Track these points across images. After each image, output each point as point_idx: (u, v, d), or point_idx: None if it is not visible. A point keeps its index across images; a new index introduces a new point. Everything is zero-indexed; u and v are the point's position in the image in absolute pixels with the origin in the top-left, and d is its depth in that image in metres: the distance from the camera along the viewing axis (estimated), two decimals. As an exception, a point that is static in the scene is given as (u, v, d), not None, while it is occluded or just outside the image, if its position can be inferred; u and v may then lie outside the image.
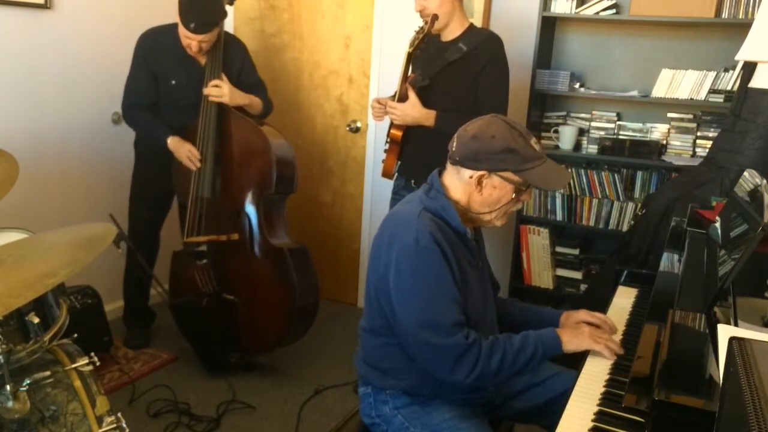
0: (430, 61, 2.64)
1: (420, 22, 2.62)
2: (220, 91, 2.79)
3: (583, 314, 1.78)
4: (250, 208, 2.86)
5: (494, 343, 1.55)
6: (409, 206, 1.63)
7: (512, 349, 1.56)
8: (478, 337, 1.54)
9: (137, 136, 3.10)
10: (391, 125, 2.68)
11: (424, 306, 1.53)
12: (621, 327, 1.83)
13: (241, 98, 2.86)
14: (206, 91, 2.80)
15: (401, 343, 1.62)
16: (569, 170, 3.28)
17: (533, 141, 1.58)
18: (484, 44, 2.56)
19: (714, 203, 2.32)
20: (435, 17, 2.53)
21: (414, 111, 2.53)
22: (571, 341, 1.61)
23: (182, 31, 2.76)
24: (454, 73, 2.57)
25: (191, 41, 2.76)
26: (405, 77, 2.62)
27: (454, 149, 1.61)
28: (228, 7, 2.92)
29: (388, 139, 2.72)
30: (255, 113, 2.96)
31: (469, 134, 1.59)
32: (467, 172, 1.59)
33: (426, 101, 2.54)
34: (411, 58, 2.58)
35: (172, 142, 2.86)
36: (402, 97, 2.58)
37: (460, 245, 1.62)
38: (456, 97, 2.57)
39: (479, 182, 1.59)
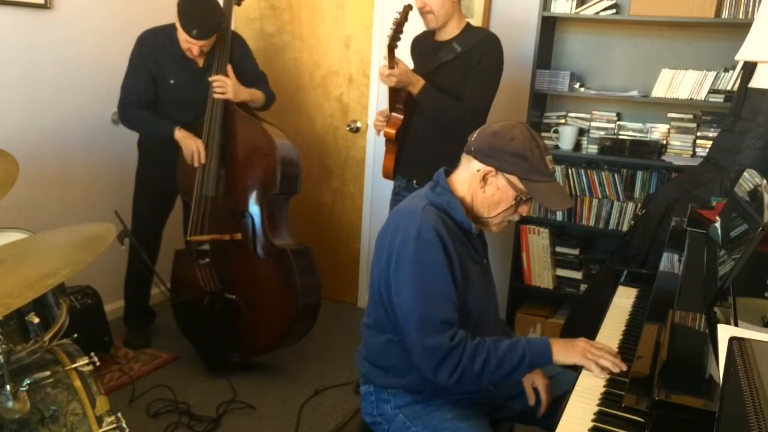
0: (424, 60, 2.64)
1: (419, 22, 2.62)
2: (223, 87, 2.79)
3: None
4: (254, 208, 2.86)
5: (479, 345, 1.53)
6: (415, 201, 1.65)
7: (497, 353, 1.53)
8: (464, 338, 1.52)
9: (141, 135, 3.10)
10: (387, 123, 2.68)
11: (419, 298, 1.53)
12: (621, 327, 1.83)
13: (244, 94, 2.88)
14: (213, 92, 2.80)
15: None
16: (569, 170, 3.29)
17: (548, 159, 1.59)
18: (479, 44, 2.56)
19: (714, 203, 2.32)
20: (408, 7, 2.53)
21: (404, 75, 2.52)
22: (560, 353, 1.57)
23: (183, 36, 2.76)
24: (446, 73, 2.57)
25: (192, 46, 2.77)
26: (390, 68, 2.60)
27: (472, 139, 1.63)
28: (235, 8, 2.93)
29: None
30: (258, 106, 2.97)
31: (490, 129, 1.61)
32: (476, 165, 1.61)
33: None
34: (391, 50, 2.57)
35: (180, 134, 2.86)
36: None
37: (464, 241, 1.63)
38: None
39: (484, 178, 1.60)
